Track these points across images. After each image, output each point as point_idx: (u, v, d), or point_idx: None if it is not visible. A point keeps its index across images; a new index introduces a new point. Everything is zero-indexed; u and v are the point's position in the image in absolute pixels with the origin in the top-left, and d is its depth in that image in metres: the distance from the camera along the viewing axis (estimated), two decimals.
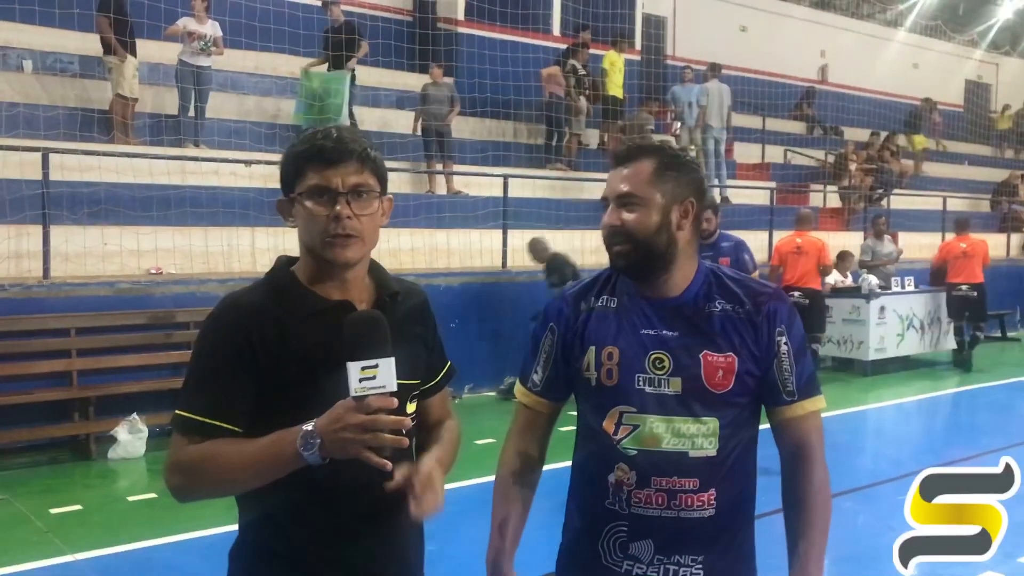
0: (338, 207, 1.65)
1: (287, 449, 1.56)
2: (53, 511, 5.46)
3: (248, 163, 9.22)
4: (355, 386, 1.54)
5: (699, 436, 1.85)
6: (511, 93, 13.20)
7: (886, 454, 7.47)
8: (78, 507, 5.59)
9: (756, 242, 12.00)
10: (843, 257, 11.39)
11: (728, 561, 1.91)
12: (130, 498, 5.82)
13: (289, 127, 10.43)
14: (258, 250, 8.19)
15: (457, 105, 11.26)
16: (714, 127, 13.40)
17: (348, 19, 10.82)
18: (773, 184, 14.45)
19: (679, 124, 13.85)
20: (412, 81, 12.90)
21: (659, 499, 1.85)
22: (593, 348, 1.91)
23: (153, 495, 5.83)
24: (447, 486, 1.74)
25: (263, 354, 1.64)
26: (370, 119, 11.29)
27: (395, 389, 1.56)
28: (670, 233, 1.88)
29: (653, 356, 1.86)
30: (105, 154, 8.24)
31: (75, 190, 7.73)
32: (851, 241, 13.41)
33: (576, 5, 14.37)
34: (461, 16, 13.67)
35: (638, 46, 15.85)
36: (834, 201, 15.69)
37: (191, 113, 9.86)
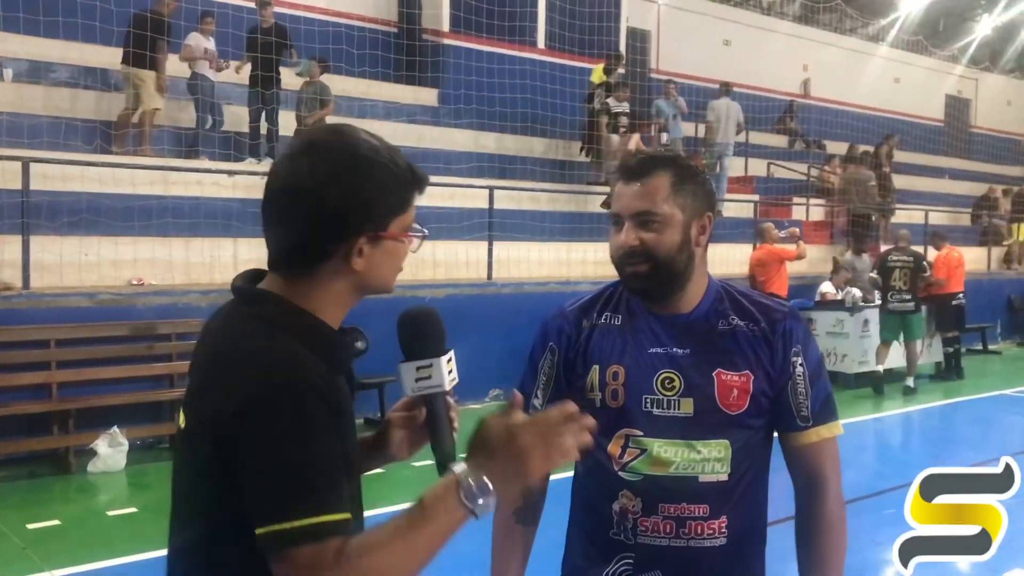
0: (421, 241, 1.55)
1: (453, 515, 1.28)
2: (30, 526, 5.37)
3: (231, 173, 9.17)
4: (412, 386, 1.49)
5: (710, 460, 1.76)
6: (496, 105, 13.22)
7: (869, 468, 7.47)
8: (56, 522, 5.50)
9: (740, 255, 12.06)
10: (837, 270, 11.49)
11: None
12: (110, 513, 5.74)
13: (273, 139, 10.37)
14: (240, 261, 8.11)
15: (329, 108, 10.25)
16: (719, 143, 13.53)
17: (279, 23, 10.52)
18: (756, 197, 14.54)
19: (665, 136, 13.93)
20: (398, 92, 12.87)
21: (667, 527, 1.76)
22: (597, 367, 1.82)
23: (133, 509, 5.75)
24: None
25: (339, 417, 1.35)
26: None
27: (449, 389, 1.49)
28: (690, 250, 1.79)
29: (662, 375, 1.77)
30: (86, 163, 8.16)
31: (56, 199, 7.64)
32: (834, 254, 13.47)
33: (561, 18, 14.41)
34: (446, 28, 13.68)
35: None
36: (817, 214, 15.77)
37: (208, 126, 9.95)
